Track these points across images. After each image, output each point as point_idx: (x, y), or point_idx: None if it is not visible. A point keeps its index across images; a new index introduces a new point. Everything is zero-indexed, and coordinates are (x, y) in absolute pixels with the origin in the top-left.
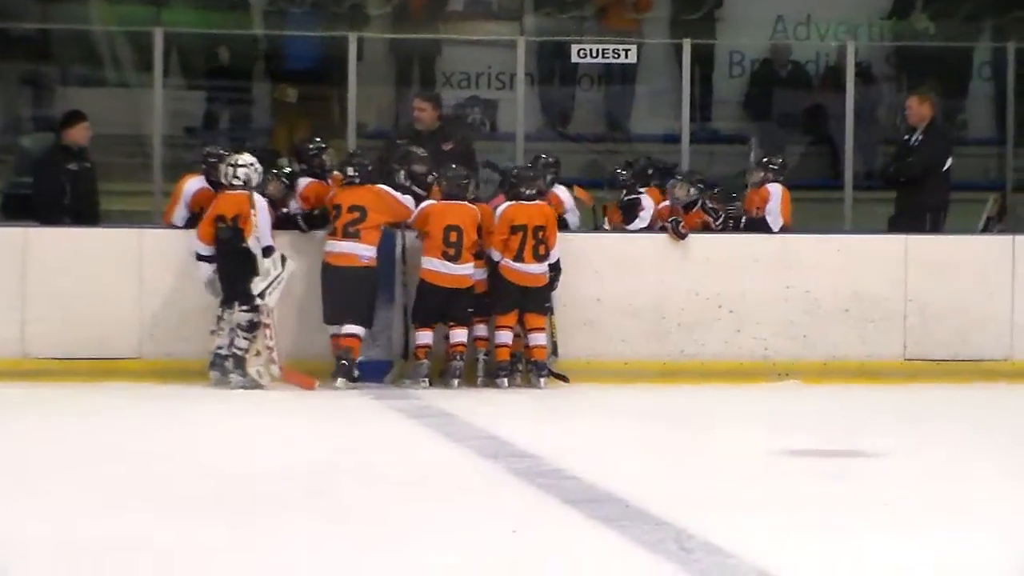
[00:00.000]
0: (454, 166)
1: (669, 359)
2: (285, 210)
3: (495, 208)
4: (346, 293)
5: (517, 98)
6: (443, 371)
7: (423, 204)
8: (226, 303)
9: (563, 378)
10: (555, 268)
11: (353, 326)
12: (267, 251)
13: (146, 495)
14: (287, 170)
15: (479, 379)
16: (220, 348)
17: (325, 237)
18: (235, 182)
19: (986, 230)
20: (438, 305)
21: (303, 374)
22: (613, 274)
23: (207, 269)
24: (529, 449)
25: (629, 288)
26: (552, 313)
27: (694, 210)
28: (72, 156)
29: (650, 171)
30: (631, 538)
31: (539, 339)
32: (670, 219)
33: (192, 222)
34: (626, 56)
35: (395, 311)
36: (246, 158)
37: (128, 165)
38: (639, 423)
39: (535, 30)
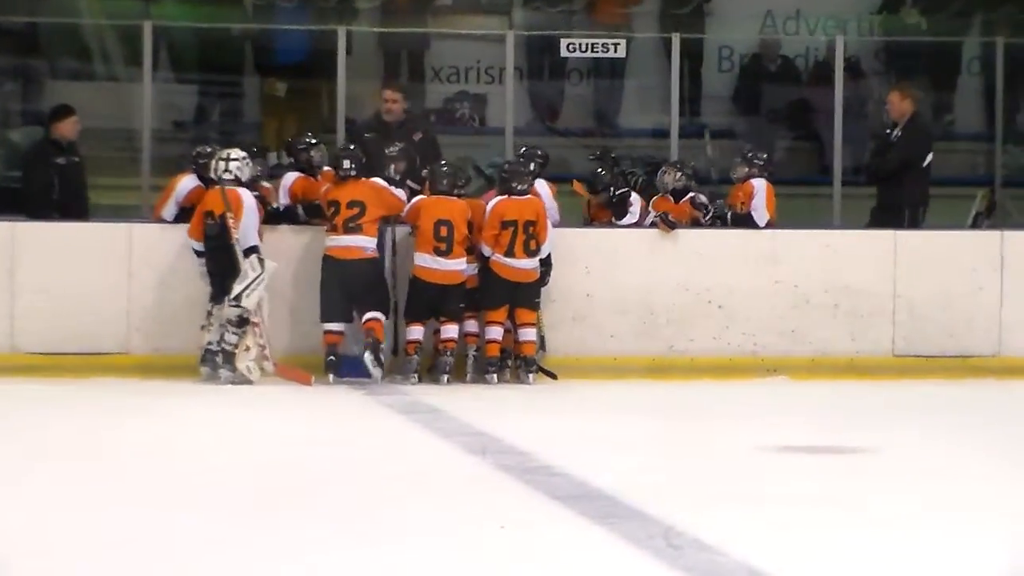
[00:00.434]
0: (443, 161)
1: (658, 355)
2: (276, 206)
3: (486, 203)
4: (359, 283)
5: (506, 92)
6: (432, 367)
7: (415, 199)
8: (215, 298)
9: (551, 375)
10: (546, 263)
11: (374, 312)
12: (249, 251)
13: (134, 490)
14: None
15: (468, 375)
16: (210, 344)
17: (325, 232)
18: (226, 176)
19: (975, 226)
20: (429, 301)
21: (299, 369)
22: (602, 270)
23: (202, 263)
24: (518, 445)
25: (618, 284)
26: (539, 308)
27: (683, 200)
28: (61, 150)
29: (634, 175)
30: (620, 534)
31: (529, 335)
32: (659, 212)
33: (181, 217)
34: (615, 50)
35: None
36: (237, 153)
37: (117, 159)
38: (628, 419)
39: (524, 24)
